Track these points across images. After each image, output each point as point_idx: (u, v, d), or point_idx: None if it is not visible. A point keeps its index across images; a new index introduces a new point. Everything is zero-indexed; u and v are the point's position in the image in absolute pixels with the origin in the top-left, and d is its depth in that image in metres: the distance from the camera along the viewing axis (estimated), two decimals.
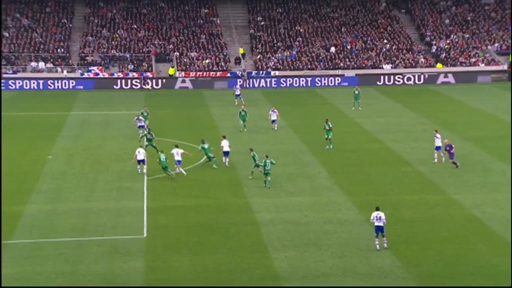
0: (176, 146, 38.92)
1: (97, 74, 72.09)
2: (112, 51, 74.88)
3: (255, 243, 28.59)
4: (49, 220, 31.42)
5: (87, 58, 73.70)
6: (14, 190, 35.88)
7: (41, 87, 69.55)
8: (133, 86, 70.78)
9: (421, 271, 25.99)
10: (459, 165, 39.00)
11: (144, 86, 70.16)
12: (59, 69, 72.32)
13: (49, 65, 72.64)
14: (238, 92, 61.21)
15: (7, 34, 75.76)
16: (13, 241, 28.81)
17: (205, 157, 40.10)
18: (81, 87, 70.02)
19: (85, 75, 71.83)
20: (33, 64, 72.44)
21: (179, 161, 38.01)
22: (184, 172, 38.03)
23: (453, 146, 39.38)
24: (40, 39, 75.57)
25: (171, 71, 72.75)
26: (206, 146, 39.95)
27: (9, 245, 28.36)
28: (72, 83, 70.28)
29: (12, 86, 69.20)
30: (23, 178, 38.13)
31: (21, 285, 25.01)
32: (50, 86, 69.87)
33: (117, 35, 77.30)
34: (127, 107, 60.42)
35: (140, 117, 47.99)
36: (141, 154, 38.31)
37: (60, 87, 70.01)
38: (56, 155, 42.83)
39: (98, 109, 59.58)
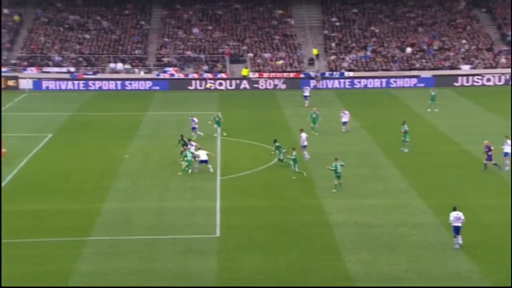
0: (189, 144, 39.73)
1: (172, 75, 73.23)
2: (188, 52, 75.99)
3: (328, 245, 28.51)
4: (126, 218, 32.15)
5: (163, 59, 75.03)
6: (93, 188, 36.89)
7: (119, 87, 71.19)
8: (207, 87, 71.55)
9: (500, 277, 25.35)
10: (500, 166, 38.16)
11: (208, 86, 70.87)
12: (136, 70, 73.85)
13: (127, 66, 74.28)
14: (307, 93, 61.03)
15: (88, 36, 77.92)
16: (92, 237, 29.62)
17: (280, 156, 40.17)
18: (157, 87, 71.28)
19: (161, 76, 73.10)
20: (112, 65, 74.22)
21: (206, 161, 38.67)
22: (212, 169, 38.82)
23: (492, 147, 38.43)
24: (119, 41, 77.38)
25: (244, 72, 73.27)
26: (280, 148, 40.15)
27: (89, 241, 29.19)
28: (149, 83, 71.61)
29: (92, 87, 71.08)
30: (101, 176, 39.12)
31: (99, 280, 25.70)
32: (128, 87, 71.42)
33: (192, 36, 78.37)
34: (202, 107, 61.13)
35: (194, 118, 48.30)
36: (203, 154, 38.83)
37: (137, 87, 71.45)
38: (133, 154, 43.75)
39: (173, 110, 60.50)
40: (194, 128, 47.66)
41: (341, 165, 35.73)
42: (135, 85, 71.44)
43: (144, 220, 31.82)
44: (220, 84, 71.59)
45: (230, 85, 71.69)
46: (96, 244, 29.01)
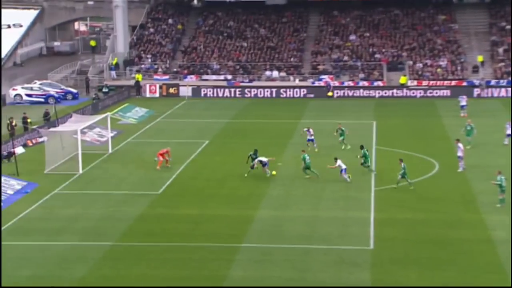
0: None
1: (327, 83, 73.24)
2: (344, 59, 75.69)
3: (491, 263, 27.17)
4: (278, 226, 32.42)
5: (319, 67, 75.24)
6: (247, 194, 37.57)
7: (273, 95, 72.18)
8: (364, 94, 70.90)
9: None
10: None
11: (328, 94, 70.09)
12: (291, 78, 74.63)
13: (282, 74, 75.25)
14: (464, 103, 58.64)
15: (245, 44, 79.85)
16: (245, 244, 30.13)
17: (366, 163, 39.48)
18: (312, 95, 71.60)
19: (316, 84, 73.37)
20: (268, 73, 75.46)
21: (266, 163, 39.82)
22: (269, 173, 39.39)
23: None
24: (275, 49, 78.56)
25: (402, 79, 71.85)
26: (366, 155, 39.93)
27: (242, 248, 29.71)
28: (303, 91, 72.11)
29: (247, 94, 72.61)
30: (255, 183, 39.74)
31: (252, 285, 26.09)
32: (282, 94, 72.25)
33: (349, 43, 77.99)
34: (356, 116, 60.63)
35: (310, 129, 47.54)
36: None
37: (291, 95, 72.13)
38: (286, 162, 44.11)
39: (327, 118, 60.50)
40: (310, 140, 47.06)
41: (505, 179, 34.13)
42: (290, 92, 72.12)
43: (296, 228, 31.93)
44: (378, 92, 70.74)
45: (386, 94, 70.61)
46: (249, 251, 29.44)
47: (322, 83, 73.02)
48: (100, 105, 64.79)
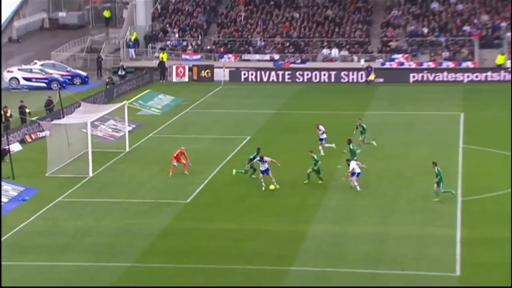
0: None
1: (401, 63, 72.80)
2: (423, 33, 74.99)
3: None
4: (337, 245, 32.35)
5: (390, 43, 74.81)
6: (298, 205, 37.55)
7: (332, 79, 72.01)
8: (448, 79, 70.25)
9: None
10: None
11: (368, 79, 69.54)
12: (355, 58, 74.34)
13: (344, 52, 75.02)
14: None
15: (297, 15, 79.72)
16: (295, 267, 30.13)
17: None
18: (381, 80, 71.22)
19: (387, 65, 72.93)
20: (325, 51, 75.35)
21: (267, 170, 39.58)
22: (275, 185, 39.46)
23: None
24: (335, 20, 78.19)
25: (499, 59, 70.99)
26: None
27: (290, 271, 29.73)
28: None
29: (299, 78, 72.55)
30: (308, 191, 39.72)
31: None
32: (344, 79, 72.03)
33: (430, 13, 77.26)
34: (438, 105, 60.10)
35: (320, 126, 46.91)
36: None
37: (355, 79, 71.85)
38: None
39: (400, 108, 60.10)
40: (321, 140, 46.42)
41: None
42: (353, 76, 71.86)
43: (360, 248, 31.83)
44: (466, 76, 69.97)
45: (478, 77, 69.87)
46: (300, 276, 29.42)
47: (394, 64, 72.61)
48: (116, 92, 65.55)
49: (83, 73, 72.57)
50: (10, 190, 40.03)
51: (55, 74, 70.04)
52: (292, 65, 74.23)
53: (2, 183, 40.19)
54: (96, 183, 41.87)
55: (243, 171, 41.35)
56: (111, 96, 63.69)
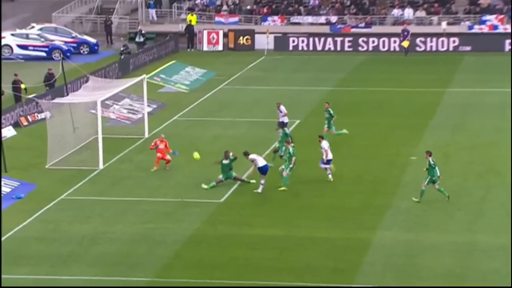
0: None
1: (494, 27, 72.23)
2: None
3: None
4: (410, 257, 32.22)
5: (481, 1, 74.20)
6: (361, 207, 37.45)
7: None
8: None
9: None
10: None
11: (404, 46, 69.66)
12: (434, 20, 73.88)
13: (420, 13, 74.57)
14: None
15: None
16: (357, 285, 30.07)
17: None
18: (468, 48, 70.83)
19: (476, 29, 72.40)
20: (396, 11, 74.98)
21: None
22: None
23: None
24: None
25: None
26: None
27: None
28: (454, 42, 71.36)
29: (363, 47, 72.40)
30: (374, 189, 39.67)
31: None
32: (420, 47, 71.77)
33: None
34: None
35: (282, 106, 46.58)
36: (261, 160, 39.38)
37: (434, 48, 71.56)
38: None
39: (491, 84, 59.92)
40: (281, 123, 45.60)
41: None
42: (432, 44, 71.71)
43: (440, 262, 31.71)
44: None
45: None
46: None
47: (485, 28, 71.97)
48: (132, 63, 65.86)
49: (92, 40, 72.98)
50: (2, 185, 40.28)
51: (57, 41, 70.52)
52: (353, 30, 74.04)
53: None
54: (108, 177, 42.11)
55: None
56: (127, 69, 64.03)
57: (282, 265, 31.88)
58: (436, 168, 37.42)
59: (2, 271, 31.28)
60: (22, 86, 54.17)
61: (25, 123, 50.94)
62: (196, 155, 40.95)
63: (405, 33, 70.36)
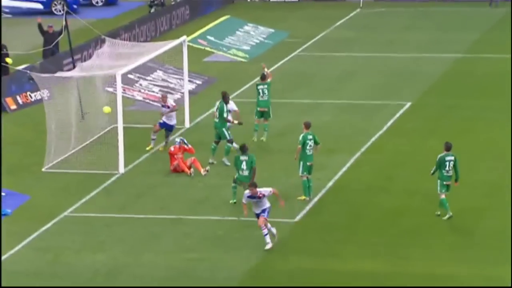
0: None
1: None
2: None
3: None
4: None
5: None
6: (499, 229, 37.50)
7: None
8: None
9: None
10: None
11: None
12: None
13: None
14: None
15: None
16: None
17: None
18: None
19: None
20: None
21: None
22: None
23: None
24: None
25: None
26: None
27: None
28: None
29: None
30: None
31: None
32: None
33: None
34: None
35: (170, 101, 46.29)
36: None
37: None
38: None
39: None
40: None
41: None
42: None
43: None
44: None
45: None
46: None
47: None
48: (165, 20, 66.32)
49: None
50: None
51: None
52: None
53: None
54: (131, 185, 42.59)
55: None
56: (159, 28, 64.52)
57: None
58: None
59: None
60: (8, 60, 53.76)
61: (13, 107, 51.51)
62: (106, 109, 41.30)
63: None
